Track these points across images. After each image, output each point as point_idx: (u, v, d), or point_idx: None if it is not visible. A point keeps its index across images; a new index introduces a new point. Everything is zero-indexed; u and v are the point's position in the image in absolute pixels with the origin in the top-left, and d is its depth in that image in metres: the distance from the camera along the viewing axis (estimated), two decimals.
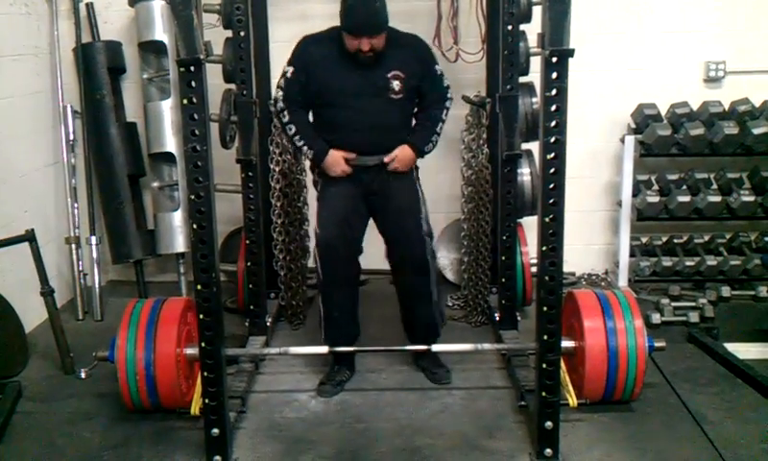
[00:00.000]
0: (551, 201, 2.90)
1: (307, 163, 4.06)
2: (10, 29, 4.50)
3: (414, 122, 3.67)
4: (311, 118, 3.66)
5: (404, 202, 3.64)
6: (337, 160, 3.55)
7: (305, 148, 3.58)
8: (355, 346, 3.79)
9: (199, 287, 2.97)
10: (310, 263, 4.69)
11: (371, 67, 3.43)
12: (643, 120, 4.82)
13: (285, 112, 3.55)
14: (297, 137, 3.58)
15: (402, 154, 3.57)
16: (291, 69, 3.53)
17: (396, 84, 3.46)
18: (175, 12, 2.73)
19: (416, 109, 3.66)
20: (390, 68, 3.45)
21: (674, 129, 4.74)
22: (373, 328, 4.15)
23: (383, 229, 3.73)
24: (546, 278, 2.97)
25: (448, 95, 3.65)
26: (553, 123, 2.82)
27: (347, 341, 3.74)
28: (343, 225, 3.61)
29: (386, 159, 3.55)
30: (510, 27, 3.90)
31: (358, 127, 3.51)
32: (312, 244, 4.48)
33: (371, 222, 3.74)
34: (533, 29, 3.34)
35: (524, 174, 4.38)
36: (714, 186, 4.83)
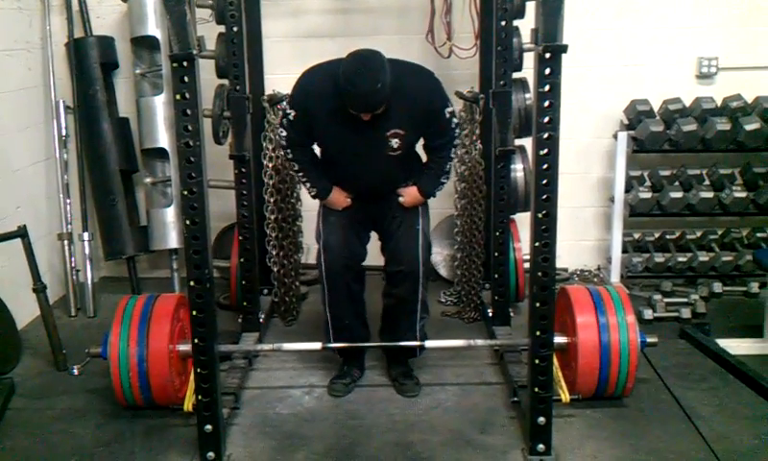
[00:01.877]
0: (544, 197, 2.91)
1: None
2: (1, 24, 4.48)
3: (425, 158, 3.64)
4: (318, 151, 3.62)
5: (403, 212, 3.58)
6: (338, 200, 3.57)
7: (308, 185, 3.57)
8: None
9: (192, 283, 2.97)
10: (304, 259, 4.72)
11: (370, 125, 3.28)
12: (636, 116, 4.83)
13: (289, 151, 3.52)
14: (300, 174, 3.57)
15: (411, 198, 3.56)
16: (293, 112, 3.39)
17: (394, 143, 3.35)
18: (167, 7, 2.72)
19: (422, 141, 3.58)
20: (389, 127, 3.32)
21: (666, 125, 4.75)
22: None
23: (381, 238, 3.71)
24: (539, 273, 2.97)
25: (456, 134, 3.53)
26: (546, 119, 2.83)
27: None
28: (347, 238, 3.58)
29: (398, 194, 3.56)
30: (503, 23, 3.90)
31: (355, 178, 3.51)
32: (306, 240, 4.54)
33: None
34: (526, 25, 3.34)
35: (517, 170, 4.39)
36: (706, 182, 4.83)
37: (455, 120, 3.48)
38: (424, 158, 3.64)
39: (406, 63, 3.42)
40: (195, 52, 2.78)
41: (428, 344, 3.65)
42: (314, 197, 3.63)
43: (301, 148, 3.52)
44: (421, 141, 3.56)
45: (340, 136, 3.39)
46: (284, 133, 3.47)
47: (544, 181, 2.89)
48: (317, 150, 3.61)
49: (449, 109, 3.43)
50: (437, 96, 3.42)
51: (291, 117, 3.41)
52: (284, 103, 3.55)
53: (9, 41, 4.55)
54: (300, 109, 3.39)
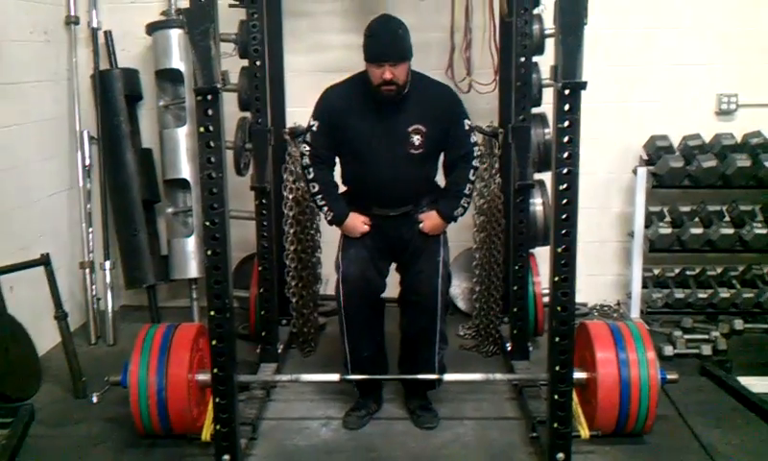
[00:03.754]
0: (563, 231, 2.91)
1: None
2: (30, 56, 4.57)
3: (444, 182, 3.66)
4: (338, 167, 3.64)
5: (423, 243, 3.58)
6: (356, 226, 3.56)
7: (326, 209, 3.56)
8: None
9: (212, 313, 3.00)
10: (322, 290, 4.73)
11: (392, 119, 3.39)
12: (656, 152, 4.83)
13: (311, 169, 3.53)
14: (319, 197, 3.55)
15: (431, 222, 3.55)
16: (317, 123, 3.49)
17: (416, 139, 3.41)
18: (193, 41, 2.78)
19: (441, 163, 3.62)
20: (411, 122, 3.41)
21: (686, 161, 4.74)
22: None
23: (400, 269, 3.71)
24: (558, 308, 2.97)
25: (475, 152, 3.54)
26: (565, 154, 2.85)
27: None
28: (366, 270, 3.57)
29: (419, 220, 3.55)
30: (523, 59, 3.93)
31: (377, 180, 3.49)
32: (324, 271, 4.56)
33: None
34: (546, 60, 3.37)
35: (536, 204, 4.39)
36: (727, 219, 4.82)
37: (474, 137, 3.54)
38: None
39: (431, 77, 3.60)
40: (219, 86, 2.83)
41: (446, 377, 3.64)
42: (330, 222, 3.62)
43: (323, 165, 3.54)
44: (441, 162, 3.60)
45: (363, 132, 3.44)
46: (308, 149, 3.51)
47: (564, 216, 2.90)
48: (337, 177, 3.64)
49: (468, 122, 3.52)
50: (457, 103, 3.57)
51: (315, 128, 3.49)
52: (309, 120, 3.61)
53: (36, 73, 4.64)
54: (323, 116, 3.49)
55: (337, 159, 3.62)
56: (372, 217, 3.57)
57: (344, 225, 3.58)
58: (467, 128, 3.51)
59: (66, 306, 4.14)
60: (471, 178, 3.54)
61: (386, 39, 3.30)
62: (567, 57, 2.77)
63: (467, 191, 3.54)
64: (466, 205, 3.57)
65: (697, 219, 4.81)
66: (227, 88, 2.98)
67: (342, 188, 3.67)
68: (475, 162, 3.56)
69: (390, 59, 3.28)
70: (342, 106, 3.48)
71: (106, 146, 4.95)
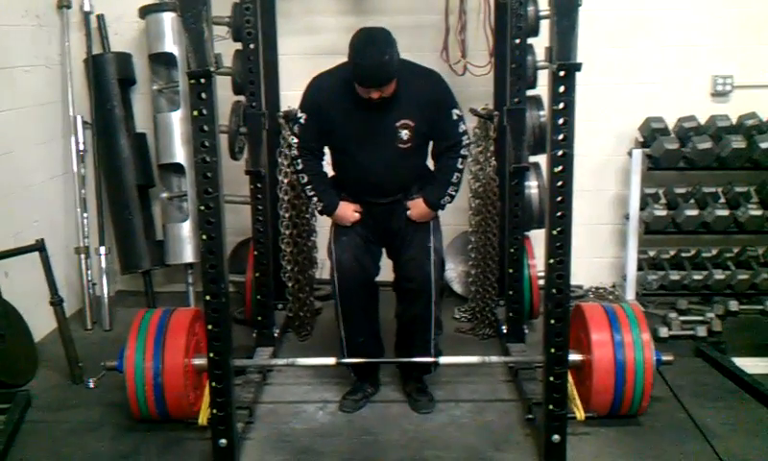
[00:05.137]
0: (558, 214, 2.91)
1: None
2: (22, 40, 4.54)
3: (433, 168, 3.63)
4: (328, 157, 3.62)
5: (414, 230, 3.56)
6: (346, 215, 3.54)
7: (315, 199, 3.54)
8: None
9: (208, 298, 2.99)
10: (318, 275, 4.73)
11: (379, 114, 3.34)
12: (651, 134, 4.82)
13: (299, 161, 3.50)
14: (308, 188, 3.54)
15: (417, 211, 3.52)
16: (304, 116, 3.45)
17: (404, 134, 3.36)
18: (185, 24, 2.76)
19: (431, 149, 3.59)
20: (399, 117, 3.35)
21: (681, 142, 4.74)
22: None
23: (391, 255, 3.71)
24: (554, 290, 2.98)
25: (464, 141, 3.47)
26: (560, 136, 2.84)
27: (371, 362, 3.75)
28: (359, 256, 3.57)
29: (408, 207, 3.53)
30: (517, 41, 3.92)
31: (366, 173, 3.47)
32: (320, 255, 4.56)
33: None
34: (541, 42, 3.35)
35: (532, 187, 4.38)
36: (722, 200, 4.82)
37: (462, 126, 3.48)
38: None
39: (418, 64, 3.51)
40: (212, 69, 2.81)
41: (442, 360, 3.65)
42: (321, 212, 3.61)
43: (311, 156, 3.51)
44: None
45: (351, 128, 3.41)
46: (296, 141, 3.49)
47: (559, 198, 2.90)
48: (327, 166, 3.62)
49: (457, 112, 3.46)
50: (445, 92, 3.48)
51: (302, 121, 3.46)
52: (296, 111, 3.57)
53: (29, 57, 4.61)
54: (310, 109, 3.45)
55: (327, 149, 3.60)
56: (363, 204, 3.56)
57: (334, 215, 3.57)
58: (455, 118, 3.45)
59: (62, 292, 4.13)
60: (459, 166, 3.50)
61: (372, 70, 3.19)
62: (562, 38, 2.76)
63: (454, 180, 3.49)
64: (453, 193, 3.52)
65: (692, 201, 4.81)
66: (220, 72, 2.96)
67: (332, 173, 3.66)
68: (464, 151, 3.50)
69: (377, 86, 3.22)
70: (328, 99, 3.42)
71: (99, 131, 4.94)
